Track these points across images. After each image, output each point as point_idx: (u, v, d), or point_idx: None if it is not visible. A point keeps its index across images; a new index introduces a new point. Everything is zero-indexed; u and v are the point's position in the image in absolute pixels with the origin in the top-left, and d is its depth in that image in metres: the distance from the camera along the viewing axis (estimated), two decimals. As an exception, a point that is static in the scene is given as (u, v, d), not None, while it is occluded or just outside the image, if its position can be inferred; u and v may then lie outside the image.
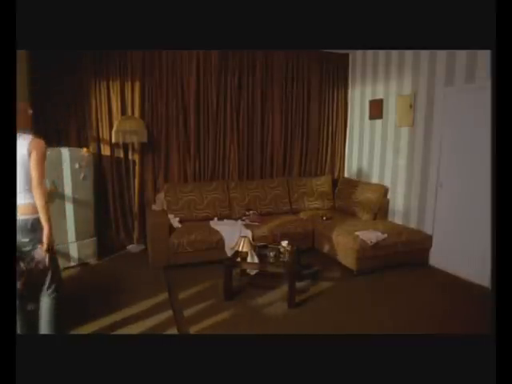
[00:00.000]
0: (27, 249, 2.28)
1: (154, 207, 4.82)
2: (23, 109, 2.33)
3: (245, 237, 3.79)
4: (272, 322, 3.11)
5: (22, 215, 2.22)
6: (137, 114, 4.80)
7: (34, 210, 2.24)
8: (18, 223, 2.20)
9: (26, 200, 2.24)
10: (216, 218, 4.79)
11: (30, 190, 2.24)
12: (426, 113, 4.41)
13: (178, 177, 5.10)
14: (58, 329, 2.42)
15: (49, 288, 2.42)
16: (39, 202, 2.20)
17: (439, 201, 4.30)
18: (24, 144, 2.17)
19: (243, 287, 3.75)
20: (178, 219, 4.58)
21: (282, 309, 3.31)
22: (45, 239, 2.25)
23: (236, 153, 5.30)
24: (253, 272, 4.00)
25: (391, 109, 4.97)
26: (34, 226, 2.25)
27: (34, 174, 2.19)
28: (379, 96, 5.17)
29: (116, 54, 4.63)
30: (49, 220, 2.24)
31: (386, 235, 4.13)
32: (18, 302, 2.29)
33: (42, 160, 2.22)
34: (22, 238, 2.24)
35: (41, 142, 2.25)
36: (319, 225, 4.73)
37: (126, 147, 4.83)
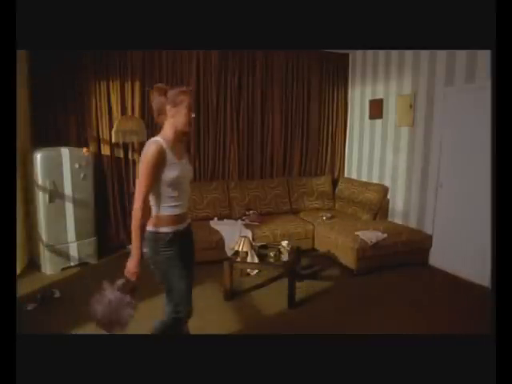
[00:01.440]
0: None
1: (154, 207, 4.81)
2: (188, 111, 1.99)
3: (245, 237, 3.79)
4: (272, 321, 3.11)
5: None
6: (137, 113, 4.80)
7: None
8: None
9: None
10: (216, 218, 4.79)
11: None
12: (426, 113, 4.41)
13: (178, 176, 5.09)
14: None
15: (167, 305, 2.17)
16: (132, 221, 1.87)
17: (439, 201, 4.30)
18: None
19: (243, 287, 3.75)
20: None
21: (282, 309, 3.31)
22: (126, 269, 1.92)
23: (236, 153, 5.31)
24: (253, 272, 4.01)
25: (391, 109, 4.97)
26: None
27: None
28: (379, 96, 5.17)
29: (116, 54, 4.62)
30: (137, 248, 1.90)
31: (386, 235, 4.14)
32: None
33: (145, 168, 1.85)
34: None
35: (149, 147, 1.88)
36: (319, 225, 4.73)
37: (126, 147, 4.83)
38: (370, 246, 3.99)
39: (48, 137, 4.45)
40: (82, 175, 4.12)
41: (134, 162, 4.86)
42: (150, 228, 1.99)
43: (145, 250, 2.01)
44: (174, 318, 2.16)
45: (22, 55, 4.07)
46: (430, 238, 4.38)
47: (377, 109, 5.19)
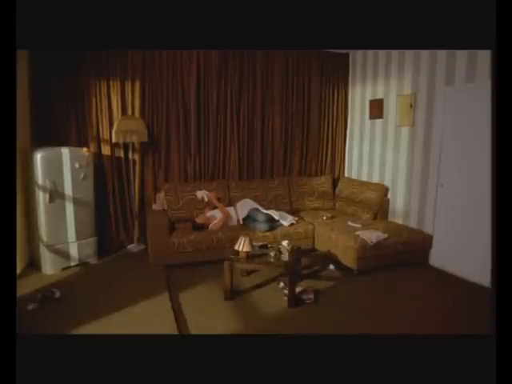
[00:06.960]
0: None
1: (155, 207, 4.82)
2: None
3: (245, 236, 3.78)
4: (272, 321, 3.11)
5: None
6: (137, 113, 4.80)
7: None
8: None
9: None
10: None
11: None
12: (426, 113, 4.41)
13: (178, 176, 5.10)
14: None
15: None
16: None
17: (439, 201, 4.30)
18: None
19: (243, 287, 3.75)
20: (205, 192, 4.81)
21: (282, 308, 3.31)
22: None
23: (236, 152, 5.30)
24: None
25: (391, 108, 4.96)
26: None
27: None
28: (379, 96, 5.17)
29: (116, 53, 4.62)
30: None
31: (386, 235, 4.13)
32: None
33: None
34: None
35: None
36: (319, 224, 4.72)
37: (126, 147, 4.83)
38: (371, 245, 3.99)
39: (48, 137, 4.45)
40: (82, 175, 4.12)
41: (135, 162, 4.86)
42: None
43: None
44: None
45: (22, 55, 4.07)
46: (430, 237, 4.38)
47: (377, 109, 5.19)
